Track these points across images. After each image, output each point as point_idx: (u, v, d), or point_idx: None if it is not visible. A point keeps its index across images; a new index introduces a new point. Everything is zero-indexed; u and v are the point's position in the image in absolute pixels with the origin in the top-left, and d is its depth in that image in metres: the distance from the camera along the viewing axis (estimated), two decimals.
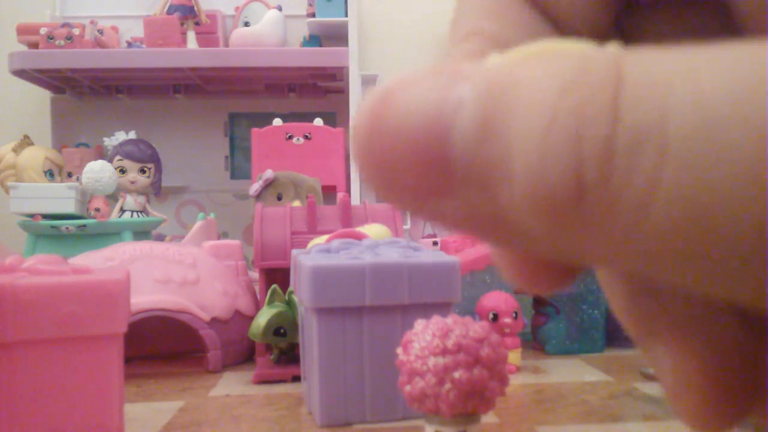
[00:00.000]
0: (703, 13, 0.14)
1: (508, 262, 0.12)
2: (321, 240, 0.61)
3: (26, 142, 1.15)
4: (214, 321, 0.67)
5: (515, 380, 0.61)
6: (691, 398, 0.12)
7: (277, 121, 1.10)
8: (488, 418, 0.49)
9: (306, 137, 1.09)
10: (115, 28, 1.34)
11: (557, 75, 0.09)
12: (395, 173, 0.10)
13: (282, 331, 0.61)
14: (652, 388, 0.57)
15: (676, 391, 0.12)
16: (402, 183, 0.10)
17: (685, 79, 0.08)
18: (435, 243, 0.88)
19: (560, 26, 0.14)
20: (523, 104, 0.09)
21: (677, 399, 0.12)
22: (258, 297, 0.74)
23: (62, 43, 1.17)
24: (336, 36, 1.28)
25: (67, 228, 1.00)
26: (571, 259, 0.10)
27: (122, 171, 1.11)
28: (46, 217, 1.02)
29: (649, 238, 0.09)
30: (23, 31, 1.23)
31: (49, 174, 1.13)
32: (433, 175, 0.10)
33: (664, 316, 0.13)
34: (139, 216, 1.11)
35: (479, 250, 0.72)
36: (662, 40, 0.14)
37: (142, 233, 1.06)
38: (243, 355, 0.71)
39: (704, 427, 0.12)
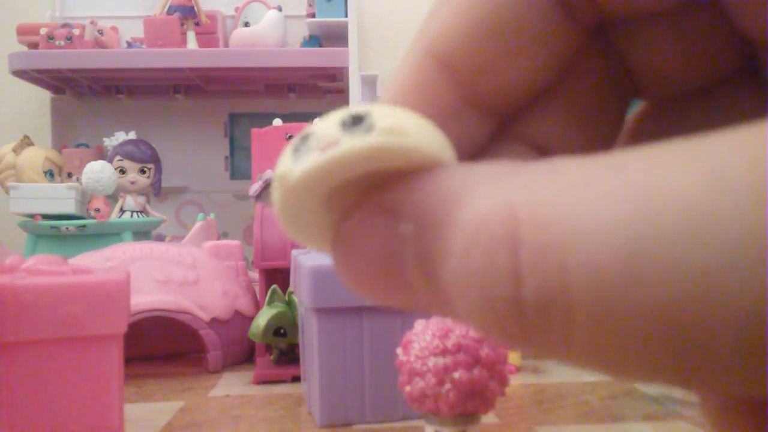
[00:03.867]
0: (736, 96, 0.13)
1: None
2: None
3: (26, 142, 1.15)
4: (214, 321, 0.67)
5: (515, 380, 0.61)
6: None
7: (277, 122, 1.10)
8: (488, 418, 0.49)
9: None
10: (115, 29, 1.34)
11: (462, 232, 0.09)
12: (374, 294, 0.11)
13: (282, 331, 0.61)
14: (652, 388, 0.57)
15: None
16: (379, 298, 0.11)
17: (582, 240, 0.08)
18: None
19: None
20: (444, 254, 0.10)
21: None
22: (258, 297, 0.74)
23: (62, 43, 1.17)
24: (336, 36, 1.28)
25: (67, 228, 1.00)
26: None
27: (122, 171, 1.11)
28: (46, 217, 1.02)
29: (581, 365, 0.09)
30: (23, 31, 1.23)
31: (49, 174, 1.13)
32: (399, 295, 0.11)
33: None
34: (139, 216, 1.11)
35: None
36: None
37: (142, 233, 1.06)
38: (243, 356, 0.71)
39: None
